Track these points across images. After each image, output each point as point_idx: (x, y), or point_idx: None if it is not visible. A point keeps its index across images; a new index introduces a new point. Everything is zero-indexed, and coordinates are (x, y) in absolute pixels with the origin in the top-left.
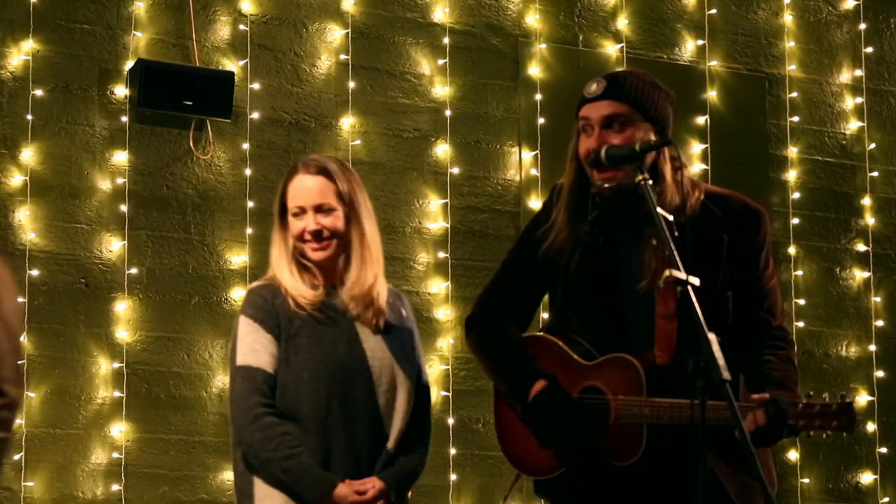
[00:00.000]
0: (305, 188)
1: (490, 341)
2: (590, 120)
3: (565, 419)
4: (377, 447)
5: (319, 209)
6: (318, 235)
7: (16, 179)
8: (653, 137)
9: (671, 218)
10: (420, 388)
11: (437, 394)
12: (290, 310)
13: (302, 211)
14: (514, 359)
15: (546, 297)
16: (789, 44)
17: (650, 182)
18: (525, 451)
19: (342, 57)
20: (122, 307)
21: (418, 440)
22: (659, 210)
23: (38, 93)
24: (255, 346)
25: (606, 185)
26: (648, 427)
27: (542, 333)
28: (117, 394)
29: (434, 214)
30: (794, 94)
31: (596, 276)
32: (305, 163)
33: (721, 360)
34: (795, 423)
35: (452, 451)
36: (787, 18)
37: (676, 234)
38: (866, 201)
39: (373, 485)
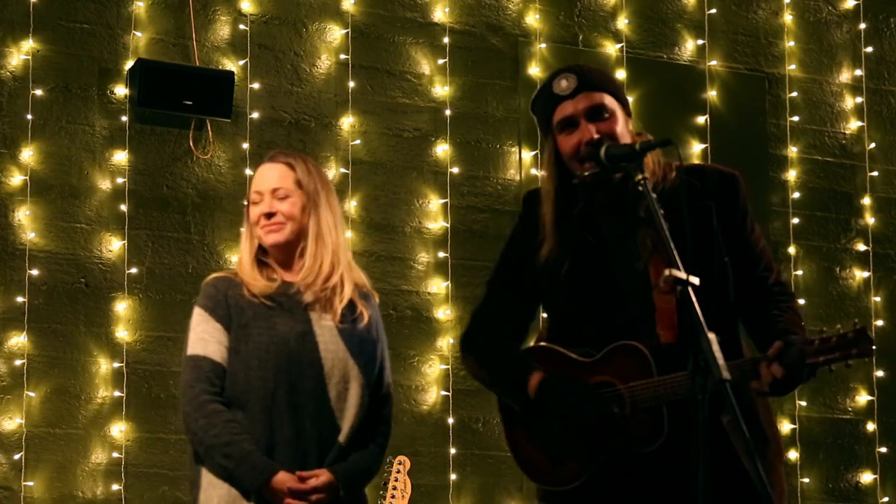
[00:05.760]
0: (265, 175)
1: (482, 352)
2: (573, 116)
3: (577, 399)
4: (327, 440)
5: (275, 193)
6: (269, 217)
7: (16, 179)
8: (629, 123)
9: (654, 195)
10: (380, 388)
11: (436, 393)
12: (244, 300)
13: (260, 197)
14: (507, 360)
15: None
16: (789, 43)
17: (645, 178)
18: (544, 464)
19: (342, 57)
20: (122, 307)
21: (372, 437)
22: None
23: (38, 92)
24: (203, 336)
25: (587, 173)
26: (669, 411)
27: (540, 344)
28: (117, 393)
29: (434, 214)
30: (794, 94)
31: (592, 273)
32: (272, 155)
33: (721, 360)
34: (815, 361)
35: (452, 450)
36: (787, 18)
37: (661, 211)
38: (866, 201)
39: (317, 476)
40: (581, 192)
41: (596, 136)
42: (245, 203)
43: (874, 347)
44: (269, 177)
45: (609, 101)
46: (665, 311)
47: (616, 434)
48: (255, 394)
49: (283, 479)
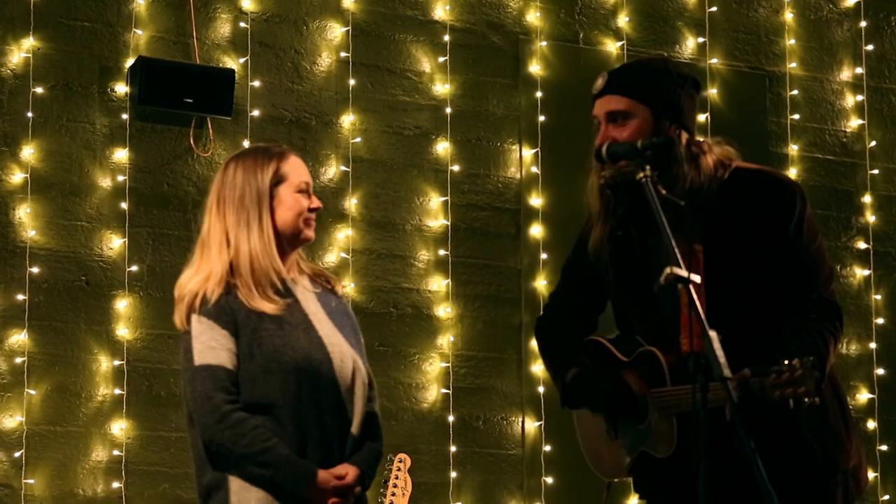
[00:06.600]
0: (305, 168)
1: (544, 340)
2: (597, 116)
3: (597, 383)
4: (343, 433)
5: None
6: (313, 211)
7: (16, 177)
8: (668, 129)
9: (682, 203)
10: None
11: (437, 391)
12: (244, 305)
13: (308, 188)
14: (558, 351)
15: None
16: (790, 41)
17: (652, 176)
18: (598, 456)
19: (343, 54)
20: (123, 304)
21: (373, 419)
22: (667, 195)
23: (39, 90)
24: (211, 344)
25: (605, 175)
26: (679, 420)
27: (592, 337)
28: (118, 391)
29: (434, 212)
30: (795, 92)
31: (629, 269)
32: (285, 148)
33: (722, 358)
34: (772, 395)
35: (452, 448)
36: (788, 16)
37: (682, 203)
38: (867, 199)
39: (347, 471)
40: (608, 193)
41: (598, 142)
42: (261, 193)
43: (822, 385)
44: (307, 171)
45: (632, 105)
46: (690, 319)
47: (638, 435)
48: (282, 397)
49: (325, 478)
